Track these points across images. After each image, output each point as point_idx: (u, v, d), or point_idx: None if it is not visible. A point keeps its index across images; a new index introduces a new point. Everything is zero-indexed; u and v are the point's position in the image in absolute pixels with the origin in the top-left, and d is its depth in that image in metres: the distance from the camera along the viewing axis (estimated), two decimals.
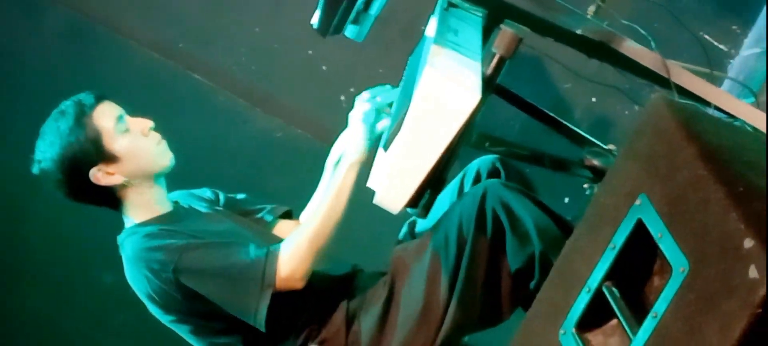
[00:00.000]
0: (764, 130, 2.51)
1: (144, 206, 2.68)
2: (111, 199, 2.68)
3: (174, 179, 2.78)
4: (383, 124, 2.58)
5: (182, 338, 2.71)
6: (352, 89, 4.05)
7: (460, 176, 2.86)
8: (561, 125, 2.85)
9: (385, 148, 2.26)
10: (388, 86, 2.66)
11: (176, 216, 2.71)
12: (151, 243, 2.56)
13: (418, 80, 2.15)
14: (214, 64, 4.20)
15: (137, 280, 2.61)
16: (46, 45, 4.23)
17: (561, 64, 2.96)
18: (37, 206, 4.18)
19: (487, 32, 2.59)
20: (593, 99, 3.97)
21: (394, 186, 2.17)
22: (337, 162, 2.70)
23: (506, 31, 2.48)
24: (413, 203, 2.24)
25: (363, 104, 2.63)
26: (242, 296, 2.50)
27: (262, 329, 2.51)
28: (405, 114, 2.13)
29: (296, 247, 2.52)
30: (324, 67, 4.13)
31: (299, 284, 2.53)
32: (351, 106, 2.66)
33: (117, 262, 2.70)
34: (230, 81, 4.21)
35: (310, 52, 4.12)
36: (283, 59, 4.17)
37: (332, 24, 2.56)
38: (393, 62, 3.04)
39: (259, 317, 2.49)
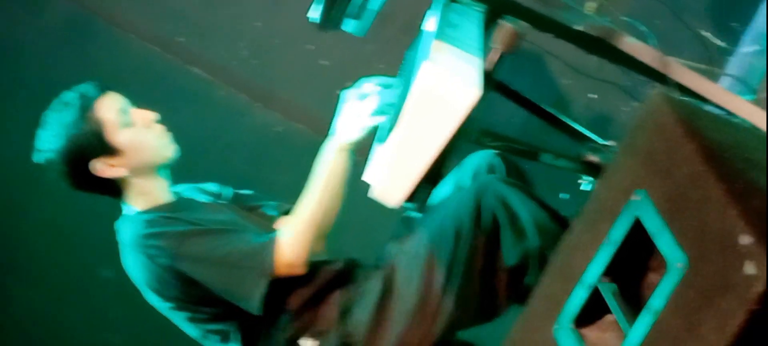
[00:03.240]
0: (764, 128, 2.50)
1: (146, 195, 2.69)
2: (114, 188, 2.69)
3: (174, 173, 2.78)
4: (373, 111, 2.56)
5: (178, 330, 2.71)
6: (351, 84, 4.06)
7: (458, 170, 2.85)
8: (560, 121, 2.86)
9: (382, 140, 2.26)
10: (387, 78, 2.65)
11: (178, 206, 2.71)
12: (150, 230, 2.57)
13: (417, 74, 2.15)
14: (213, 58, 4.20)
15: (135, 266, 2.61)
16: (46, 38, 4.23)
17: (561, 60, 2.96)
18: (35, 199, 4.18)
19: (488, 28, 2.58)
20: (592, 95, 3.97)
21: (391, 180, 2.17)
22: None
23: (506, 26, 2.49)
24: (410, 197, 2.24)
25: (359, 89, 2.62)
26: (239, 283, 2.51)
27: (259, 314, 2.51)
28: (403, 108, 2.13)
29: (293, 236, 2.52)
30: (324, 63, 4.13)
31: (300, 270, 2.54)
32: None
33: (116, 255, 2.70)
34: (230, 75, 4.20)
35: (310, 47, 4.11)
36: (283, 54, 4.17)
37: (331, 17, 2.56)
38: (394, 58, 3.03)
39: (255, 302, 2.50)
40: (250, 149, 4.25)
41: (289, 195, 2.98)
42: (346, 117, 2.56)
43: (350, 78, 4.04)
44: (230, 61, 4.19)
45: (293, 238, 2.52)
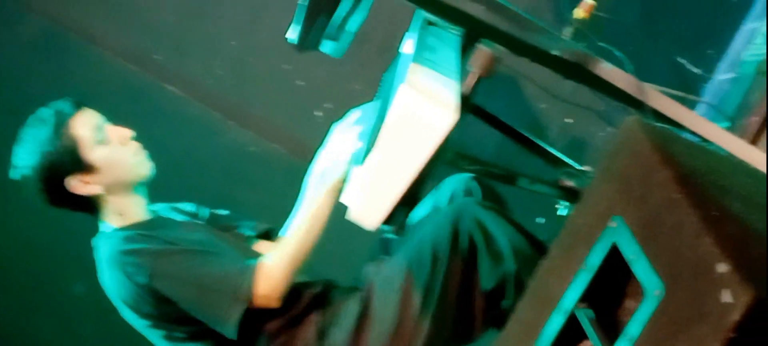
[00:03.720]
0: (740, 157, 2.52)
1: (122, 213, 2.69)
2: (89, 205, 2.68)
3: (148, 191, 2.77)
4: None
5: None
6: (327, 105, 4.06)
7: (434, 193, 2.86)
8: (536, 145, 2.87)
9: (360, 163, 2.26)
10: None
11: (155, 224, 2.70)
12: (128, 246, 2.56)
13: (394, 97, 2.15)
14: (188, 76, 4.19)
15: (111, 283, 2.60)
16: (22, 54, 4.21)
17: (537, 84, 2.98)
18: (8, 214, 4.15)
19: (465, 51, 2.60)
20: (568, 120, 3.98)
21: (368, 202, 2.17)
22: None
23: (483, 50, 2.50)
24: (388, 219, 2.24)
25: (345, 127, 2.63)
26: (215, 307, 2.51)
27: (234, 338, 2.51)
28: (380, 131, 2.13)
29: (273, 269, 2.53)
30: (300, 83, 4.13)
31: (275, 304, 2.54)
32: (327, 122, 2.65)
33: (88, 271, 2.69)
34: (205, 93, 4.20)
35: (286, 66, 4.11)
36: (258, 73, 4.17)
37: (309, 39, 2.56)
38: (369, 79, 3.03)
39: (229, 327, 2.50)
40: (225, 168, 4.24)
41: (262, 215, 2.98)
42: (337, 152, 2.57)
43: (326, 98, 4.10)
44: (206, 80, 4.18)
45: (274, 271, 2.53)
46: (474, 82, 2.53)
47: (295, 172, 2.81)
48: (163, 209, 2.83)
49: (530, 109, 3.95)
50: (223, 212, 2.94)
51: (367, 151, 2.26)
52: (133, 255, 2.54)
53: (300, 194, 2.83)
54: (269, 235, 2.91)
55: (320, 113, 4.06)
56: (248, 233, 2.88)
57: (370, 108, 2.62)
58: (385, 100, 2.41)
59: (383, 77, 2.71)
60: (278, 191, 2.94)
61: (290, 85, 4.13)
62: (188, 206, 2.89)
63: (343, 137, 2.58)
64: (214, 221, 2.88)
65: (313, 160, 2.75)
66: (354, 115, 2.64)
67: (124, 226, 2.67)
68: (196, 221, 2.84)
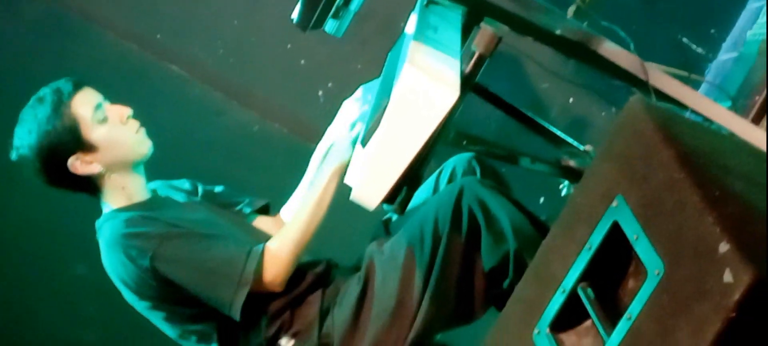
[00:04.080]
0: (742, 136, 2.52)
1: (122, 193, 2.69)
2: (89, 186, 2.69)
3: (149, 171, 2.78)
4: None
5: (154, 327, 2.71)
6: (329, 84, 4.05)
7: (436, 173, 2.87)
8: (538, 125, 2.86)
9: (363, 144, 2.26)
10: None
11: (155, 204, 2.71)
12: (130, 229, 2.56)
13: (398, 77, 2.16)
14: (191, 56, 4.18)
15: (113, 265, 2.61)
16: (23, 35, 4.19)
17: (539, 64, 2.98)
18: (9, 195, 4.14)
19: (467, 30, 2.59)
20: (571, 99, 3.97)
21: (370, 182, 2.16)
22: (322, 161, 2.71)
23: (486, 29, 2.50)
24: (390, 199, 2.25)
25: (353, 105, 2.63)
26: (220, 291, 2.52)
27: (237, 320, 2.52)
28: (383, 110, 2.14)
29: (278, 253, 2.55)
30: (302, 62, 4.12)
31: (278, 289, 2.57)
32: (329, 102, 2.66)
33: (90, 252, 2.69)
34: (207, 73, 4.19)
35: (288, 46, 4.10)
36: (260, 53, 4.16)
37: (312, 18, 2.56)
38: (371, 58, 3.04)
39: (234, 310, 2.51)
40: (226, 148, 4.23)
41: (264, 195, 2.98)
42: (345, 131, 2.58)
43: (328, 78, 4.09)
44: (207, 59, 4.17)
45: (279, 255, 2.55)
46: (476, 61, 2.52)
47: (297, 151, 2.82)
48: (161, 187, 2.84)
49: (533, 88, 3.94)
50: (219, 188, 2.94)
51: (370, 130, 2.26)
52: (135, 238, 2.55)
53: (303, 173, 2.85)
54: (267, 209, 2.93)
55: (322, 93, 4.05)
56: (246, 209, 2.89)
57: (376, 86, 2.63)
58: (388, 79, 2.41)
59: (388, 56, 2.72)
60: (280, 171, 2.94)
61: (292, 64, 4.12)
62: (185, 184, 2.90)
63: (349, 116, 2.59)
64: (211, 198, 2.88)
65: (317, 139, 2.77)
66: (362, 92, 2.65)
67: (125, 206, 2.67)
68: (195, 199, 2.84)
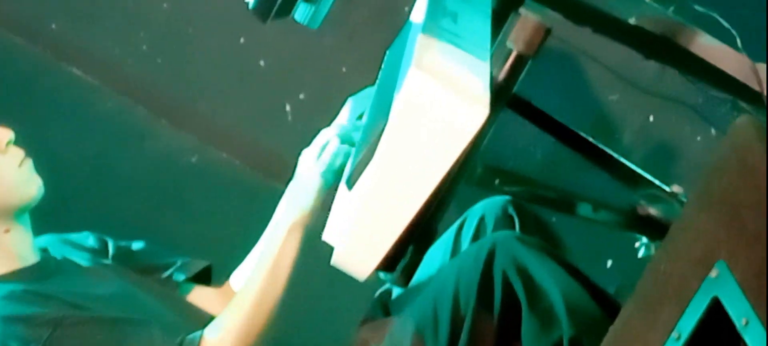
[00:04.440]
0: None
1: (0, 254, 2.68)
2: None
3: (38, 221, 2.78)
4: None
5: None
6: (301, 96, 4.07)
7: (456, 226, 2.90)
8: (603, 155, 2.86)
9: (349, 185, 2.26)
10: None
11: (45, 271, 2.71)
12: (11, 310, 2.55)
13: (400, 87, 2.15)
14: (101, 54, 4.20)
15: None
16: None
17: (605, 66, 2.98)
18: None
19: (500, 19, 2.60)
20: (651, 118, 3.99)
21: (360, 241, 2.16)
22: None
23: (528, 17, 2.50)
24: (388, 265, 2.24)
25: (336, 127, 2.64)
26: None
27: None
28: (379, 136, 2.13)
29: (222, 342, 2.55)
30: (261, 63, 4.14)
31: None
32: (300, 120, 2.67)
33: None
34: (123, 79, 4.21)
35: (241, 40, 4.12)
36: (201, 50, 4.18)
37: (276, 2, 2.56)
38: (360, 57, 3.03)
39: None
40: (152, 185, 4.25)
41: (207, 253, 2.98)
42: (312, 159, 2.58)
43: (298, 86, 4.09)
44: (125, 59, 4.19)
45: None
46: (514, 63, 2.52)
47: (255, 191, 2.83)
48: (55, 244, 2.83)
49: (596, 102, 3.95)
50: (138, 246, 2.94)
51: (359, 163, 2.26)
52: (18, 323, 2.54)
53: (266, 222, 2.85)
54: (208, 276, 2.93)
55: (290, 107, 4.06)
56: (178, 275, 2.89)
57: (369, 99, 2.63)
58: (385, 89, 2.41)
59: (386, 55, 2.72)
60: (233, 219, 2.94)
61: (248, 66, 4.14)
62: (89, 239, 2.90)
63: (317, 155, 2.60)
64: (127, 260, 2.88)
65: (285, 174, 2.76)
66: (349, 107, 2.65)
67: (4, 275, 2.66)
68: (104, 262, 2.84)
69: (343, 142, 2.64)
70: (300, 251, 2.58)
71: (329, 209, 2.40)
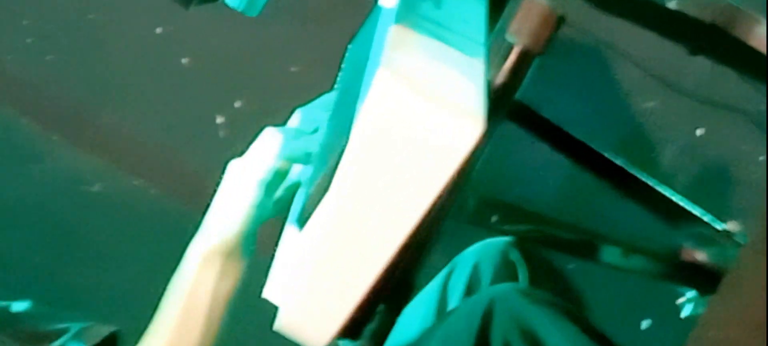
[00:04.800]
0: None
1: None
2: None
3: None
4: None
5: None
6: (237, 103, 4.07)
7: (442, 277, 2.90)
8: (635, 182, 2.87)
9: (299, 224, 2.26)
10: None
11: None
12: None
13: (365, 95, 2.14)
14: None
15: None
16: None
17: (638, 65, 2.99)
18: None
19: (498, 4, 2.61)
20: (698, 132, 4.00)
21: (313, 300, 2.17)
22: None
23: (534, 2, 2.50)
24: (351, 331, 2.24)
25: (275, 135, 2.62)
26: None
27: None
28: (338, 160, 2.12)
29: None
30: (185, 61, 4.14)
31: None
32: (235, 135, 2.67)
33: None
34: (4, 83, 4.21)
35: (158, 30, 4.13)
36: (106, 44, 4.19)
37: None
38: (314, 54, 3.02)
39: None
40: (40, 222, 4.25)
41: (110, 308, 2.98)
42: (244, 179, 2.56)
43: (234, 92, 4.09)
44: (3, 57, 4.20)
45: None
46: (516, 62, 2.52)
47: (177, 229, 2.81)
48: None
49: (625, 112, 3.96)
50: (21, 306, 2.94)
51: (311, 197, 2.25)
52: None
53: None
54: (113, 343, 2.92)
55: (222, 120, 4.06)
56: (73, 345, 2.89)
57: (325, 111, 2.62)
58: (347, 97, 2.41)
59: (348, 52, 2.72)
60: (145, 266, 2.95)
61: (168, 65, 4.15)
62: None
63: (249, 168, 2.58)
64: (4, 327, 2.88)
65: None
66: (298, 119, 2.64)
67: None
68: None
69: (292, 160, 2.63)
70: (220, 293, 2.56)
71: (270, 256, 2.40)
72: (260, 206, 2.54)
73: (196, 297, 2.56)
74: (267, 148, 2.58)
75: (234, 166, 2.60)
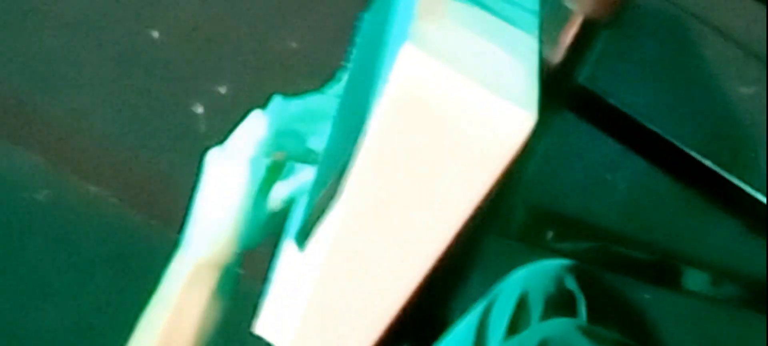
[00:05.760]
0: None
1: None
2: None
3: None
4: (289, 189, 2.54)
5: None
6: (222, 89, 4.06)
7: (480, 309, 2.89)
8: (727, 188, 2.84)
9: (300, 243, 2.22)
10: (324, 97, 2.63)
11: None
12: None
13: (385, 78, 2.10)
14: None
15: None
16: None
17: (732, 40, 2.97)
18: None
19: None
20: None
21: (317, 338, 2.15)
22: None
23: None
24: None
25: (251, 131, 2.59)
26: None
27: None
28: (349, 160, 2.09)
29: None
30: (155, 35, 4.14)
31: None
32: (217, 127, 2.65)
33: None
34: None
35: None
36: (53, 21, 4.20)
37: None
38: (318, 27, 2.99)
39: None
40: None
41: (72, 338, 2.97)
42: (232, 164, 2.53)
43: (217, 76, 4.08)
44: None
45: None
46: (578, 36, 2.49)
47: (146, 248, 2.82)
48: None
49: (715, 100, 3.94)
50: None
51: (316, 208, 2.21)
52: None
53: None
54: None
55: (203, 109, 4.05)
56: None
57: (333, 99, 2.59)
58: (361, 82, 2.38)
59: (362, 24, 2.68)
60: (104, 294, 2.93)
61: (133, 42, 4.15)
62: None
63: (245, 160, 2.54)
64: None
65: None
66: (286, 109, 2.61)
67: None
68: None
69: (289, 153, 2.60)
70: (208, 306, 2.54)
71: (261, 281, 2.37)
72: (255, 199, 2.50)
73: (179, 332, 2.54)
74: (255, 131, 2.55)
75: (214, 155, 2.56)
